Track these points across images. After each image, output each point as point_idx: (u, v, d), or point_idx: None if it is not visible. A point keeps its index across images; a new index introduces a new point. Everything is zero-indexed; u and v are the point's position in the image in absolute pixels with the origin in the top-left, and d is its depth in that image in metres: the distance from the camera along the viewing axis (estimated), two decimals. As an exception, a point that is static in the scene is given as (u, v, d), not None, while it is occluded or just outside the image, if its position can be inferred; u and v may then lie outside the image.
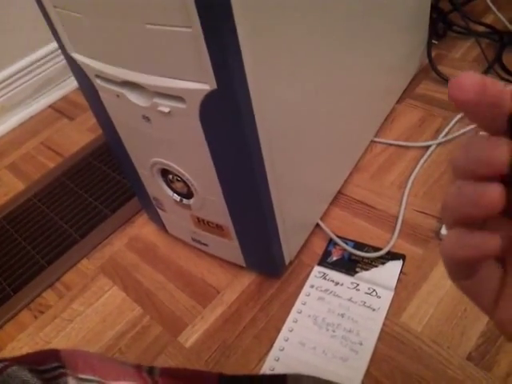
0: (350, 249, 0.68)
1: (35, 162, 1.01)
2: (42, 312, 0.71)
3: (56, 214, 0.87)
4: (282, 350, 0.59)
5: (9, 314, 0.72)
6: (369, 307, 0.61)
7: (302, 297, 0.64)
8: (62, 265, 0.77)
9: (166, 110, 0.48)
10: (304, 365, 0.57)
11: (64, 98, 1.18)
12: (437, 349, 0.56)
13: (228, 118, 0.46)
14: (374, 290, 0.63)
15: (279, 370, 0.57)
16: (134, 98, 0.51)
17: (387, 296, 0.62)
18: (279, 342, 0.60)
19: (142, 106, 0.51)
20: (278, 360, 0.58)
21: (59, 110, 1.15)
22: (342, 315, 0.61)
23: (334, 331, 0.60)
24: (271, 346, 0.59)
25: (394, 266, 0.65)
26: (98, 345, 0.65)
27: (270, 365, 0.58)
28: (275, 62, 0.48)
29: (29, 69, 1.13)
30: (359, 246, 0.69)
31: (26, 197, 0.92)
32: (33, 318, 0.71)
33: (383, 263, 0.66)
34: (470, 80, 0.17)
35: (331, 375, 0.55)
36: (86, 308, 0.70)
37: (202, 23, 0.38)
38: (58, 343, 0.67)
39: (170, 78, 0.46)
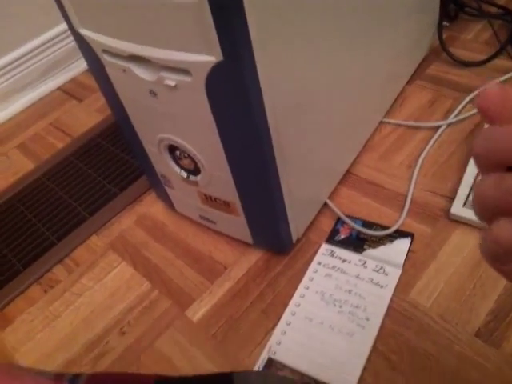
0: (358, 227, 0.67)
1: (44, 142, 1.01)
2: (51, 287, 0.72)
3: (65, 192, 0.87)
4: (288, 324, 0.59)
5: (19, 288, 0.73)
6: (376, 284, 0.61)
7: (309, 273, 0.64)
8: (71, 241, 0.78)
9: (173, 83, 0.48)
10: (310, 339, 0.57)
11: (73, 80, 1.19)
12: (445, 325, 0.56)
13: (234, 91, 0.46)
14: (382, 268, 0.63)
15: (286, 343, 0.58)
16: (140, 72, 0.51)
17: (395, 273, 0.62)
18: (286, 316, 0.60)
19: (149, 80, 0.50)
20: (284, 334, 0.58)
21: (68, 91, 1.15)
22: (349, 291, 0.61)
23: (340, 307, 0.60)
24: (278, 320, 0.60)
25: (403, 244, 0.65)
26: (107, 318, 0.66)
27: (277, 339, 0.58)
28: (283, 35, 0.47)
29: (38, 51, 1.14)
30: (367, 224, 0.68)
31: (36, 176, 0.92)
32: (42, 293, 0.72)
33: (391, 241, 0.66)
34: (494, 90, 0.20)
35: (338, 350, 0.56)
36: (95, 283, 0.71)
37: (208, -8, 0.38)
38: (67, 317, 0.67)
39: (176, 50, 0.46)
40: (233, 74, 0.45)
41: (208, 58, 0.44)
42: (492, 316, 0.55)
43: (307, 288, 0.63)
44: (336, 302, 0.60)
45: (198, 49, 0.44)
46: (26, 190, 0.90)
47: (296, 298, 0.62)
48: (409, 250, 0.64)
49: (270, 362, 0.56)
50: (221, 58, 0.43)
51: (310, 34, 0.52)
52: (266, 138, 0.51)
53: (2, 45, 1.08)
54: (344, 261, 0.65)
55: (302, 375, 0.54)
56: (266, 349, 0.57)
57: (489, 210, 0.20)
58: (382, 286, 0.61)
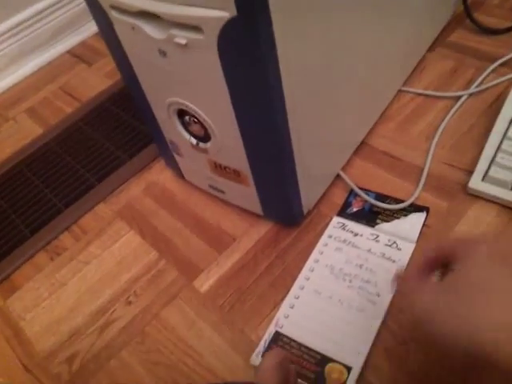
0: (371, 200, 0.65)
1: (53, 106, 0.99)
2: (58, 254, 0.71)
3: (73, 158, 0.86)
4: (297, 298, 0.58)
5: (26, 255, 0.72)
6: (388, 259, 0.60)
7: (319, 246, 0.62)
8: (78, 208, 0.77)
9: (183, 41, 0.46)
10: (319, 313, 0.56)
11: (82, 44, 1.16)
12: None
13: (248, 50, 0.43)
14: (395, 242, 0.61)
15: (294, 317, 0.56)
16: (149, 29, 0.48)
17: (408, 248, 0.60)
18: (295, 289, 0.59)
19: (158, 38, 0.48)
20: (292, 307, 0.57)
21: (77, 55, 1.13)
22: (360, 266, 0.59)
23: (350, 281, 0.58)
24: (287, 292, 0.58)
25: (417, 218, 0.63)
26: (113, 286, 0.65)
27: (285, 312, 0.57)
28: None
29: (46, 12, 1.10)
30: (381, 197, 0.66)
31: (44, 141, 0.91)
32: (49, 260, 0.71)
33: (405, 215, 0.64)
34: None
35: (347, 325, 0.54)
36: (102, 251, 0.70)
37: None
38: (74, 284, 0.67)
39: (187, 5, 0.43)
40: (247, 32, 0.42)
41: (221, 13, 0.41)
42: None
43: (317, 261, 0.61)
44: (346, 277, 0.59)
45: (210, 3, 0.41)
46: (34, 156, 0.89)
47: (305, 271, 0.60)
48: (424, 224, 0.62)
49: (277, 336, 0.55)
50: (234, 13, 0.40)
51: (330, 4, 0.49)
52: (281, 105, 0.49)
53: (10, 6, 1.05)
54: (356, 234, 0.63)
55: (309, 349, 0.53)
56: (274, 322, 0.56)
57: None
58: (394, 261, 0.59)
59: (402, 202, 0.65)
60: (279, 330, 0.55)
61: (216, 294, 0.61)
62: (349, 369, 0.51)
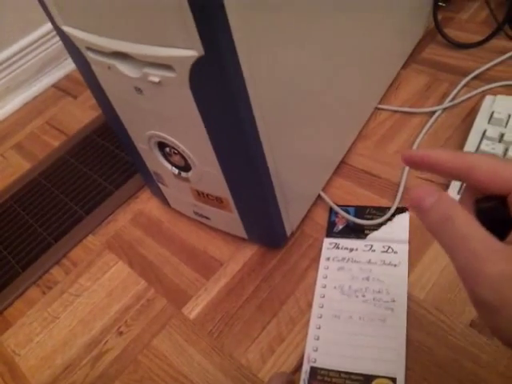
0: (351, 218, 0.67)
1: (40, 141, 1.01)
2: (49, 288, 0.72)
3: (61, 191, 0.87)
4: (318, 328, 0.58)
5: (18, 290, 0.73)
6: (389, 264, 0.61)
7: (321, 270, 0.63)
8: (68, 241, 0.78)
9: (156, 79, 0.48)
10: (345, 336, 0.56)
11: (66, 77, 1.18)
12: (439, 316, 0.55)
13: (218, 85, 0.45)
14: (390, 247, 0.63)
15: (323, 348, 0.56)
16: (124, 68, 0.50)
17: (403, 249, 0.62)
18: (314, 320, 0.58)
19: (133, 76, 0.50)
20: (318, 339, 0.57)
21: (62, 88, 1.15)
22: (367, 278, 0.60)
23: (363, 296, 0.59)
24: (273, 315, 0.60)
25: (403, 219, 0.65)
26: (104, 318, 0.66)
27: (313, 345, 0.56)
28: (266, 25, 0.46)
29: (30, 48, 1.13)
30: (360, 209, 0.68)
31: (32, 176, 0.92)
32: (41, 294, 0.72)
33: (390, 219, 0.66)
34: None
35: (375, 338, 0.55)
36: (92, 283, 0.71)
37: (184, -14, 0.37)
38: (66, 317, 0.68)
39: (158, 46, 0.45)
40: (215, 68, 0.44)
41: (189, 52, 0.43)
42: (489, 305, 0.55)
43: (324, 287, 0.61)
44: (357, 293, 0.60)
45: (179, 43, 0.43)
46: (22, 191, 0.90)
47: (317, 299, 0.60)
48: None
49: (314, 371, 0.54)
50: (202, 52, 0.42)
51: (294, 22, 0.51)
52: (253, 133, 0.51)
53: (-5, 44, 1.08)
54: (351, 250, 0.64)
55: (350, 374, 0.53)
56: (305, 359, 0.55)
57: None
58: (395, 265, 0.61)
59: (382, 209, 0.66)
60: (313, 365, 0.55)
61: (204, 320, 0.62)
62: (394, 380, 0.51)
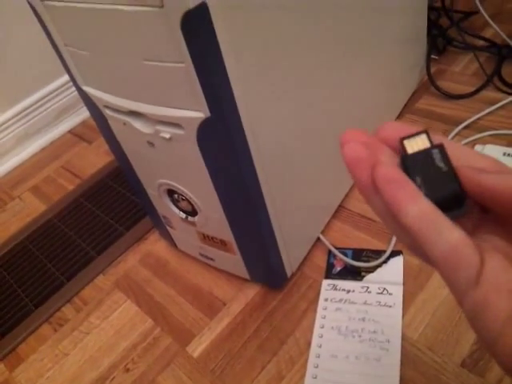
0: (348, 260, 0.70)
1: (56, 184, 1.07)
2: (61, 325, 0.76)
3: (75, 233, 0.92)
4: (316, 367, 0.61)
5: (31, 327, 0.77)
6: (385, 305, 0.64)
7: (320, 311, 0.66)
8: (79, 281, 0.82)
9: (167, 136, 0.53)
10: (342, 376, 0.59)
11: (82, 123, 1.25)
12: (432, 356, 0.58)
13: (223, 143, 0.51)
14: (385, 289, 0.66)
15: None
16: (138, 125, 0.56)
17: (398, 291, 0.65)
18: (312, 359, 0.62)
19: (146, 132, 0.55)
20: (316, 378, 0.60)
21: (78, 134, 1.22)
22: (363, 319, 0.64)
23: (360, 336, 0.62)
24: (274, 354, 0.63)
25: (397, 262, 0.69)
26: (112, 355, 0.69)
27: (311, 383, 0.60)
28: (266, 87, 0.52)
29: (48, 97, 1.20)
30: (357, 252, 0.72)
31: (47, 218, 0.97)
32: (52, 331, 0.75)
33: (386, 262, 0.69)
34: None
35: (370, 377, 0.58)
36: (101, 321, 0.74)
37: (192, 59, 0.43)
38: (75, 354, 0.71)
39: (169, 107, 0.50)
40: (220, 128, 0.49)
41: (197, 114, 0.49)
42: (477, 345, 0.58)
43: (322, 327, 0.65)
44: (354, 333, 0.63)
45: (188, 106, 0.49)
46: (37, 232, 0.95)
47: (315, 338, 0.63)
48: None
49: None
50: (208, 114, 0.48)
51: (295, 84, 0.57)
52: (254, 184, 0.55)
53: (17, 93, 1.15)
54: (348, 291, 0.68)
55: None
56: None
57: None
58: (390, 306, 0.64)
59: (377, 252, 0.70)
60: None
61: (207, 358, 0.65)
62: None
